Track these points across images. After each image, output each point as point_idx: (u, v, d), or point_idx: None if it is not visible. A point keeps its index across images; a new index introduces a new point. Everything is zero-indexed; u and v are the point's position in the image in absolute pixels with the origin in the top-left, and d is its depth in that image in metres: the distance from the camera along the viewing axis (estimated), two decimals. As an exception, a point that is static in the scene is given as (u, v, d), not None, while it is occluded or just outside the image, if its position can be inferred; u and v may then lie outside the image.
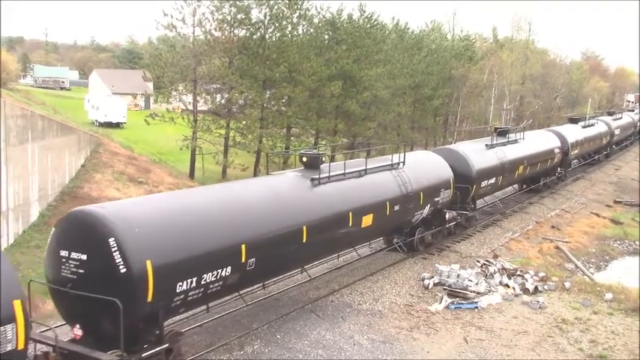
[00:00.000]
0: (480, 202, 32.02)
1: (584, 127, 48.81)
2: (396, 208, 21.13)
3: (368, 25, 52.51)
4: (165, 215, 13.62)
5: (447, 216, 25.89)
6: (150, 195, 16.05)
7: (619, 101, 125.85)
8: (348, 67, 47.69)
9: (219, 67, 42.26)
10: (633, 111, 79.11)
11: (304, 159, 19.25)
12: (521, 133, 35.18)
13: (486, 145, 30.80)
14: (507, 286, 21.38)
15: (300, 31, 48.48)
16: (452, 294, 20.24)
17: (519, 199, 37.35)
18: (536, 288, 21.26)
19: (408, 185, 21.90)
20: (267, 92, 45.59)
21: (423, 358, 15.95)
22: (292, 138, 48.88)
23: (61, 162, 32.30)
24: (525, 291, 21.04)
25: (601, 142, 53.52)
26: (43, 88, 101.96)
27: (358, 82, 48.81)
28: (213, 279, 13.83)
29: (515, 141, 33.81)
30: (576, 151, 44.79)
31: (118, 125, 65.09)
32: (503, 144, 32.08)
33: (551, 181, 41.02)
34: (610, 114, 64.11)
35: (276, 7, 44.64)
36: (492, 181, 29.87)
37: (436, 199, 24.16)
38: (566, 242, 30.65)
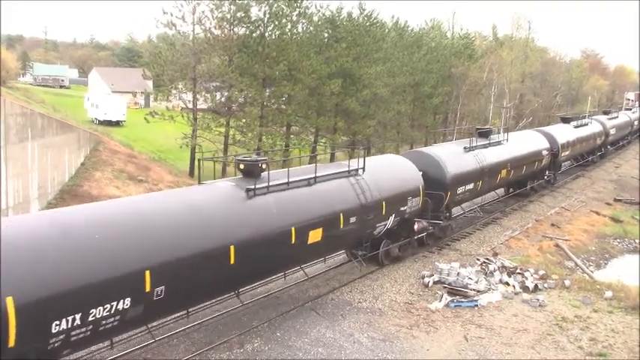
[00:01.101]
0: (457, 210, 29.48)
1: (576, 127, 46.61)
2: (352, 220, 18.88)
3: (367, 23, 52.55)
4: (37, 239, 11.28)
5: (415, 226, 23.53)
6: (23, 215, 13.88)
7: (619, 99, 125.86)
8: (348, 65, 47.72)
9: (219, 65, 42.26)
10: (630, 110, 77.54)
11: (241, 166, 16.71)
12: (505, 134, 33.02)
13: (465, 147, 28.45)
14: (507, 284, 21.39)
15: (300, 29, 48.52)
16: (452, 292, 20.25)
17: (506, 203, 35.32)
18: (536, 286, 21.28)
19: (368, 194, 19.72)
20: (267, 90, 45.61)
21: (423, 356, 15.96)
22: (292, 136, 48.93)
23: (61, 160, 32.30)
24: (525, 289, 21.07)
25: (595, 143, 51.29)
26: (43, 86, 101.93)
27: (358, 80, 48.84)
28: (105, 314, 11.70)
29: (499, 143, 31.72)
30: (567, 153, 42.58)
31: (117, 123, 65.09)
32: (484, 146, 29.92)
33: (539, 184, 38.81)
34: (605, 113, 62.27)
35: (275, 5, 44.63)
36: (470, 186, 27.53)
37: (402, 209, 21.88)
38: (566, 240, 30.65)
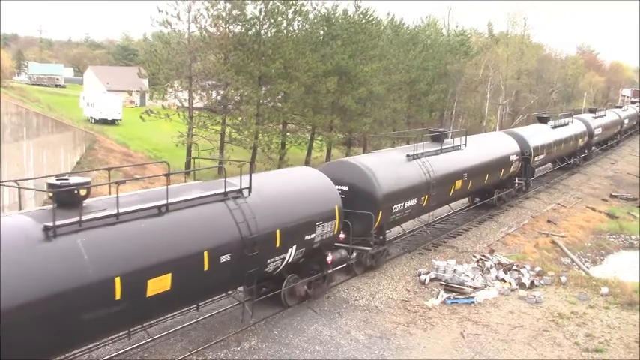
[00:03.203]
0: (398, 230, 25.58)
1: (554, 127, 42.10)
2: (225, 258, 14.43)
3: (363, 21, 52.49)
4: None
5: (329, 257, 18.91)
6: None
7: (614, 96, 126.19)
8: (344, 62, 47.70)
9: (215, 63, 42.22)
10: (621, 107, 73.59)
11: (50, 193, 12.19)
12: (464, 138, 28.47)
13: (407, 155, 24.05)
14: (504, 280, 21.46)
15: (296, 27, 48.49)
16: (448, 289, 20.30)
17: (467, 217, 31.30)
18: (532, 282, 21.35)
19: (253, 222, 15.23)
20: (263, 88, 45.56)
21: (419, 353, 16.00)
22: (288, 134, 48.93)
23: (57, 159, 32.28)
24: (521, 285, 21.13)
25: (576, 145, 46.53)
26: (38, 85, 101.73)
27: (354, 78, 48.83)
28: None
29: (454, 148, 27.42)
30: (542, 157, 37.86)
31: (113, 122, 65.07)
32: (435, 153, 25.71)
33: (508, 194, 34.05)
34: (592, 111, 57.51)
35: (271, 2, 44.61)
36: (412, 203, 23.02)
37: (309, 237, 17.44)
38: (562, 237, 30.74)
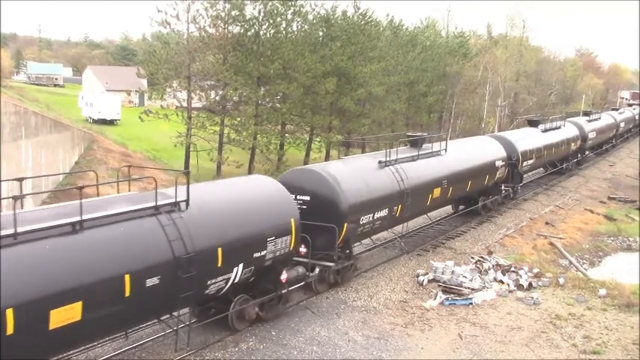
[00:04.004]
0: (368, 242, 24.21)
1: (544, 131, 40.26)
2: (153, 281, 12.73)
3: (362, 22, 52.56)
4: None
5: (284, 276, 17.03)
6: None
7: (613, 98, 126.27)
8: (343, 63, 47.74)
9: (214, 63, 42.25)
10: (617, 110, 71.99)
11: None
12: (444, 143, 26.77)
13: (380, 162, 22.26)
14: (502, 282, 21.48)
15: (295, 28, 48.61)
16: (446, 290, 20.31)
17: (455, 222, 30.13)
18: (530, 284, 21.37)
19: (189, 239, 13.53)
20: (262, 89, 45.62)
21: (417, 354, 16.00)
22: (287, 135, 48.96)
23: (55, 159, 32.26)
24: (519, 287, 21.16)
25: (569, 149, 44.79)
26: (37, 84, 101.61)
27: (353, 79, 48.89)
28: None
29: (433, 154, 25.72)
30: (531, 162, 36.22)
31: (112, 122, 65.09)
32: (412, 159, 24.09)
33: (494, 201, 32.32)
34: (586, 114, 55.88)
35: (270, 3, 44.68)
36: (383, 213, 21.23)
37: (259, 255, 15.71)
38: (560, 238, 30.75)
